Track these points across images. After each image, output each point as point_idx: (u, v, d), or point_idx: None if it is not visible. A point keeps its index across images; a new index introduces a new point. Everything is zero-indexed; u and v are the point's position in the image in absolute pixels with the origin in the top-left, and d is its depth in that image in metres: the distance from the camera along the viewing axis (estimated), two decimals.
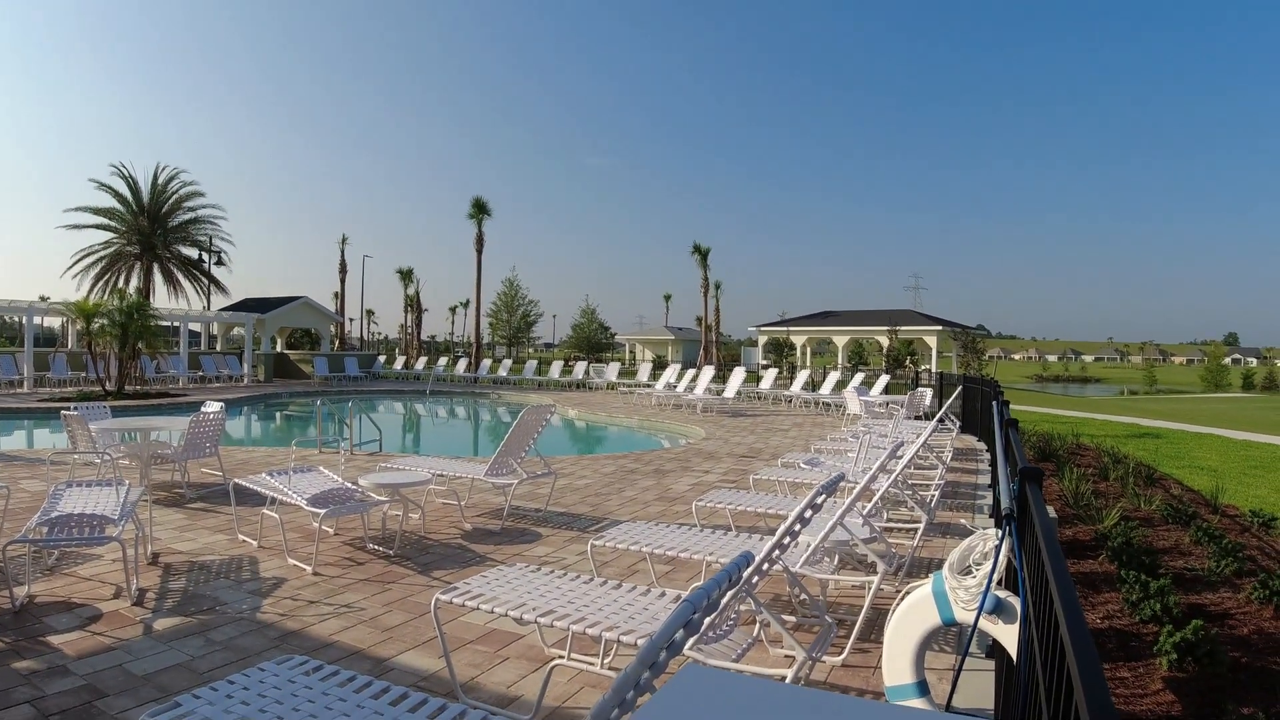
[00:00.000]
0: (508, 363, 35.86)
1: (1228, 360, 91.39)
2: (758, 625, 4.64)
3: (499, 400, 28.87)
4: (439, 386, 31.60)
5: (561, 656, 4.50)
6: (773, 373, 30.35)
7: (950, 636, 5.11)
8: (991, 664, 4.42)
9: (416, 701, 3.08)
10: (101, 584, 6.04)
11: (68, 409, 10.29)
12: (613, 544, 5.72)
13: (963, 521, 8.61)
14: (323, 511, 6.58)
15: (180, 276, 39.27)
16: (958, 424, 17.65)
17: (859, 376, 28.53)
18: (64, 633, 5.03)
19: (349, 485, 7.45)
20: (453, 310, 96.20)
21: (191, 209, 39.94)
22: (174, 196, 39.21)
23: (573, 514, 8.93)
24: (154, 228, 37.78)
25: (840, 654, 4.89)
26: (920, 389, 22.35)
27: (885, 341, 48.91)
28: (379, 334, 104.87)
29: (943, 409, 14.79)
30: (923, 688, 3.74)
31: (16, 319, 27.08)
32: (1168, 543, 8.06)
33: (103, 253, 37.88)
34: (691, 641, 3.69)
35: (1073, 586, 1.63)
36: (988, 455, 13.62)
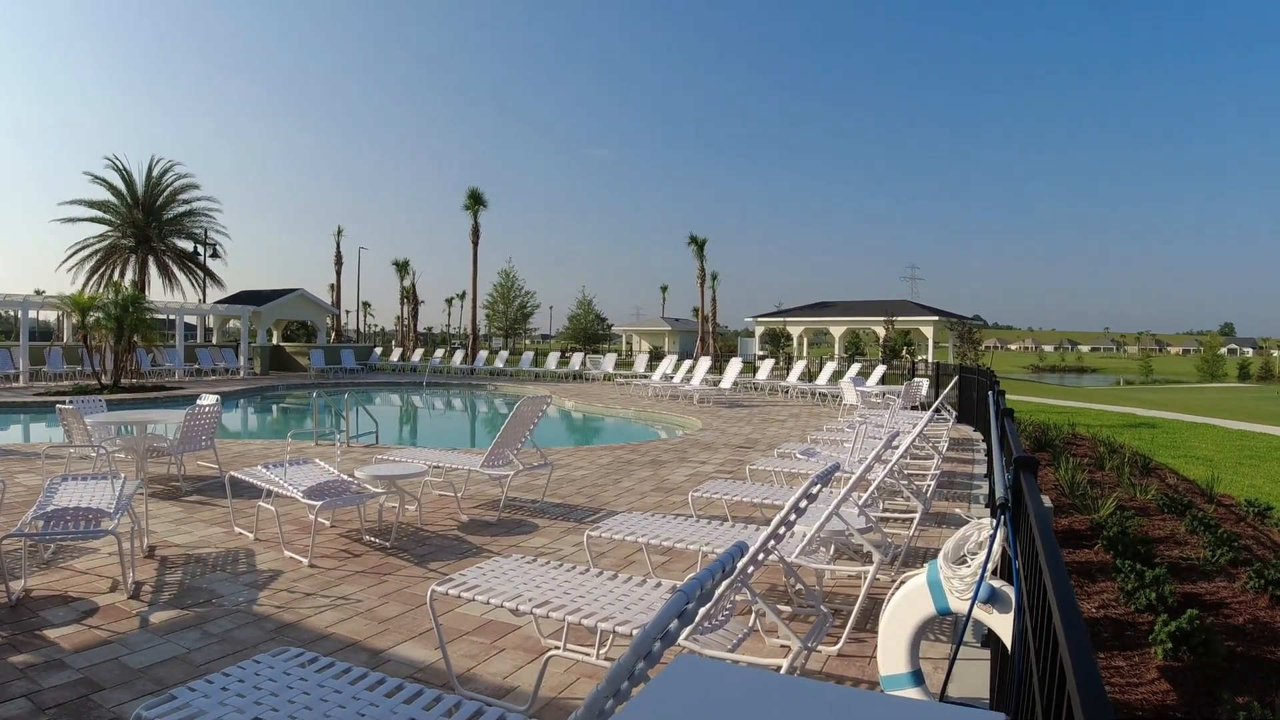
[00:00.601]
0: (504, 354, 35.83)
1: (1224, 350, 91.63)
2: (753, 615, 4.64)
3: (495, 392, 28.85)
4: (435, 378, 31.60)
5: (558, 647, 4.50)
6: (769, 363, 30.36)
7: (945, 626, 5.12)
8: (987, 653, 4.43)
9: (412, 693, 3.08)
10: (98, 577, 6.03)
11: (63, 403, 10.27)
12: (609, 535, 5.73)
13: (958, 511, 8.62)
14: (319, 504, 6.57)
15: (175, 269, 39.12)
16: (954, 414, 17.68)
17: (855, 367, 28.53)
18: (60, 626, 5.03)
19: (345, 477, 7.45)
20: (449, 302, 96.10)
21: (186, 201, 39.76)
22: (169, 189, 39.04)
23: (569, 505, 8.94)
24: (149, 220, 37.61)
25: (836, 644, 4.89)
26: (916, 379, 22.35)
27: (882, 332, 49.00)
28: (375, 326, 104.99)
29: (938, 399, 14.82)
30: (917, 677, 3.75)
31: (12, 313, 27.01)
32: (1163, 532, 8.08)
33: (98, 246, 37.73)
34: (687, 632, 3.69)
35: (1067, 576, 1.63)
36: (984, 445, 13.64)
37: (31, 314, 27.45)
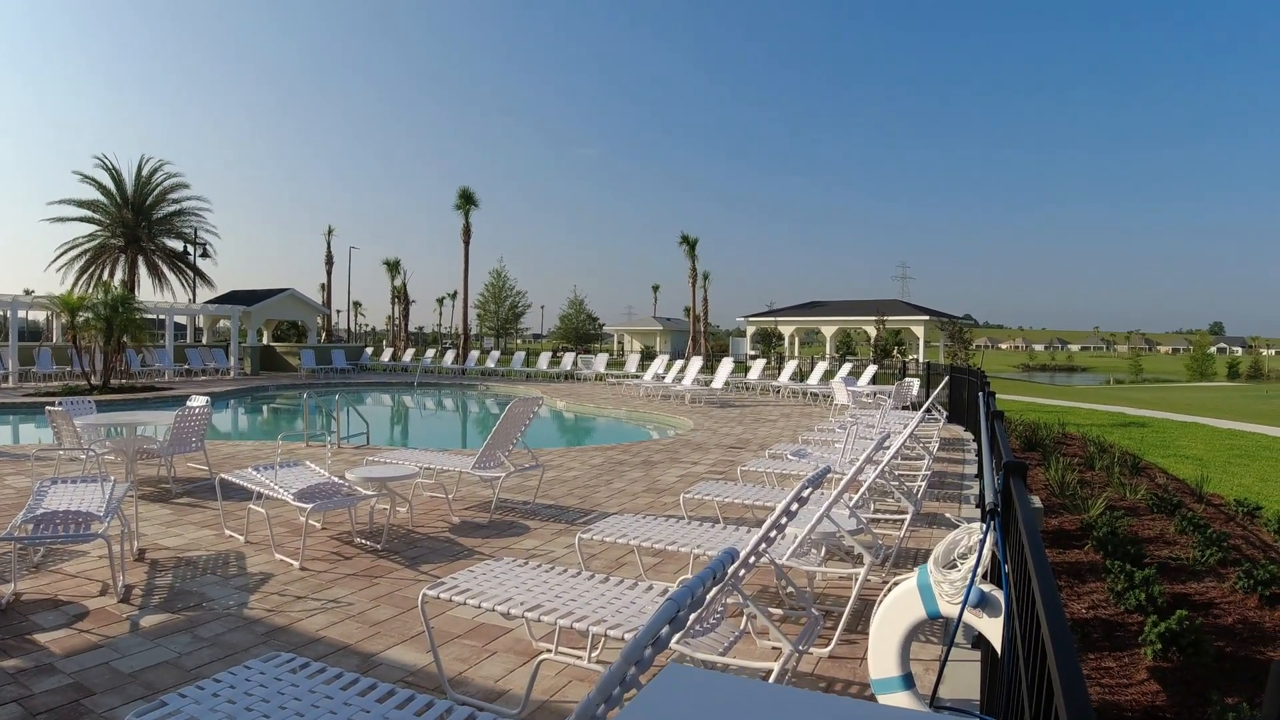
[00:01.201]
0: (495, 354, 35.77)
1: (1213, 349, 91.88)
2: (745, 618, 4.65)
3: (487, 392, 28.81)
4: (426, 379, 31.54)
5: (549, 650, 4.50)
6: (761, 363, 30.42)
7: (937, 628, 5.13)
8: (978, 655, 4.44)
9: (404, 698, 3.08)
10: (88, 581, 6.01)
11: (53, 404, 10.23)
12: (601, 537, 5.73)
13: (948, 515, 8.64)
14: (309, 506, 6.56)
15: (165, 269, 39.06)
16: (944, 414, 17.72)
17: (846, 367, 28.57)
18: (50, 631, 5.01)
19: (336, 479, 7.44)
20: (440, 302, 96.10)
21: (176, 201, 39.70)
22: (158, 188, 38.96)
23: (561, 506, 8.94)
24: (138, 220, 37.54)
25: (828, 645, 4.91)
26: (907, 379, 22.42)
27: (873, 331, 49.05)
28: (366, 326, 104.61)
29: (929, 399, 14.85)
30: (908, 680, 3.76)
31: (1, 313, 26.85)
32: (1153, 532, 8.12)
33: (87, 245, 37.63)
34: (678, 636, 3.70)
35: (1055, 586, 1.64)
36: (975, 445, 13.68)
37: (20, 314, 27.35)
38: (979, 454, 9.62)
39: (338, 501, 6.91)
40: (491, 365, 34.09)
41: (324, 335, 49.42)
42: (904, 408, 18.46)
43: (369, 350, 39.68)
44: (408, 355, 38.40)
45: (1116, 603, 5.83)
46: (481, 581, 4.34)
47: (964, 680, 4.33)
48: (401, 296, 60.25)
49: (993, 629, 3.22)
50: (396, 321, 62.18)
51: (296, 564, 6.46)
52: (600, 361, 33.72)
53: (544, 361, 34.20)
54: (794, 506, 4.05)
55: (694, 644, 3.88)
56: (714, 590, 3.60)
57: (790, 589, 5.09)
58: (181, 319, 35.75)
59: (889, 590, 3.86)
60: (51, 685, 4.23)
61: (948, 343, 47.24)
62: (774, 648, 4.84)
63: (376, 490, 7.53)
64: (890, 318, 50.06)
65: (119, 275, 36.83)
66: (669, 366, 28.12)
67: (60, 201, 37.01)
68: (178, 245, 40.20)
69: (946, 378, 19.30)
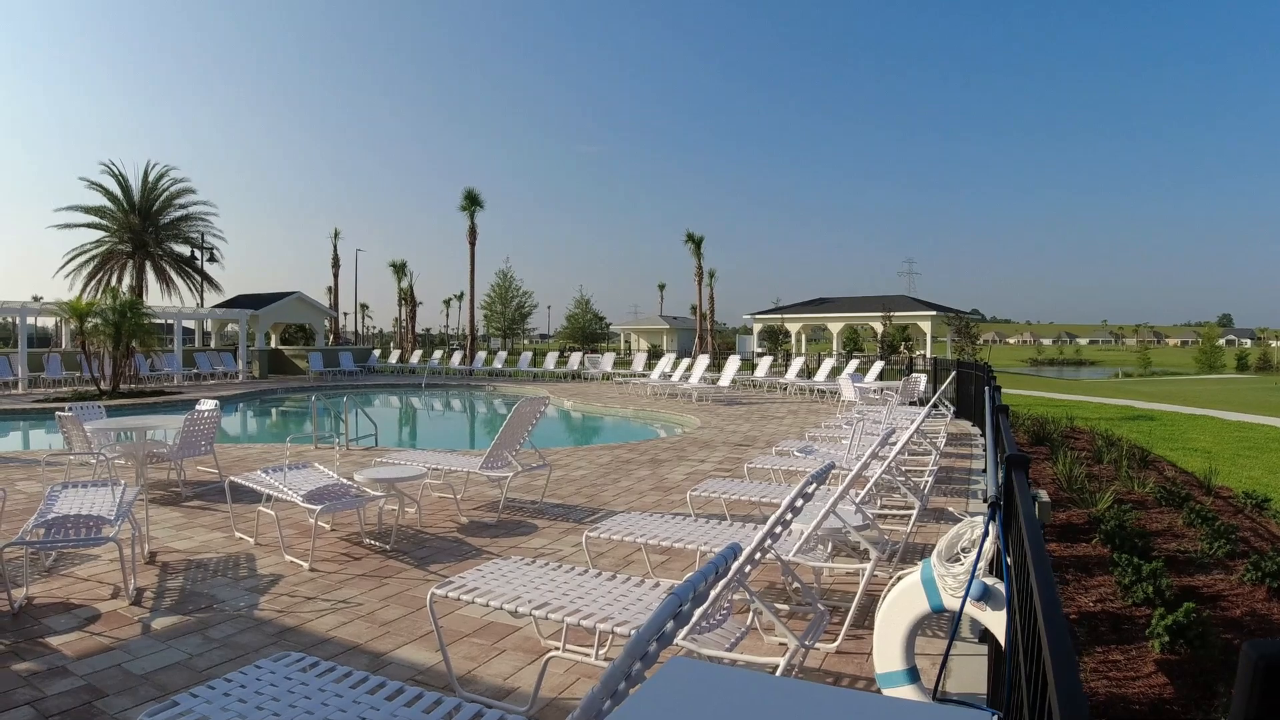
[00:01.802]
0: (503, 354, 35.86)
1: (1222, 341, 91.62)
2: (751, 614, 4.67)
3: (494, 392, 28.86)
4: (434, 380, 31.60)
5: (557, 648, 4.53)
6: (767, 360, 30.41)
7: (943, 621, 5.14)
8: (984, 649, 4.46)
9: (413, 696, 3.11)
10: (99, 584, 6.06)
11: (63, 410, 10.29)
12: (608, 535, 5.76)
13: (953, 510, 8.65)
14: (319, 507, 6.60)
15: (173, 274, 39.20)
16: (952, 409, 17.70)
17: (853, 363, 28.55)
18: (63, 634, 5.05)
19: (345, 481, 7.48)
20: (447, 303, 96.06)
21: (183, 206, 39.87)
22: (165, 194, 39.12)
23: (568, 505, 8.96)
24: (145, 225, 37.69)
25: (834, 641, 4.92)
26: (914, 374, 22.38)
27: (879, 327, 48.95)
28: (373, 328, 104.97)
29: (936, 394, 14.85)
30: (913, 674, 3.78)
31: (10, 320, 27.01)
32: (1161, 525, 8.11)
33: (95, 251, 37.79)
34: (684, 632, 3.72)
35: (1051, 574, 1.66)
36: (982, 440, 13.67)
37: (29, 320, 27.45)
38: (986, 448, 9.62)
39: (346, 503, 6.95)
40: (498, 366, 34.16)
41: (332, 338, 49.50)
42: (911, 403, 18.44)
43: (377, 352, 39.81)
44: (415, 357, 38.43)
45: (1124, 596, 5.83)
46: (489, 580, 4.37)
47: (970, 674, 4.35)
48: (408, 298, 60.30)
49: (996, 622, 3.23)
50: (404, 323, 62.26)
51: (306, 565, 6.50)
52: (607, 361, 33.76)
53: (551, 361, 34.26)
54: (799, 503, 4.07)
55: (700, 640, 3.90)
56: (719, 586, 3.62)
57: (796, 585, 5.11)
58: (190, 323, 35.86)
59: (893, 584, 3.88)
60: (64, 688, 4.27)
61: (955, 338, 47.08)
62: (780, 643, 4.85)
63: (385, 491, 7.56)
64: (897, 313, 49.96)
65: (127, 281, 36.98)
66: (676, 365, 28.13)
67: (68, 208, 37.18)
68: (185, 250, 40.36)
69: (953, 373, 19.28)
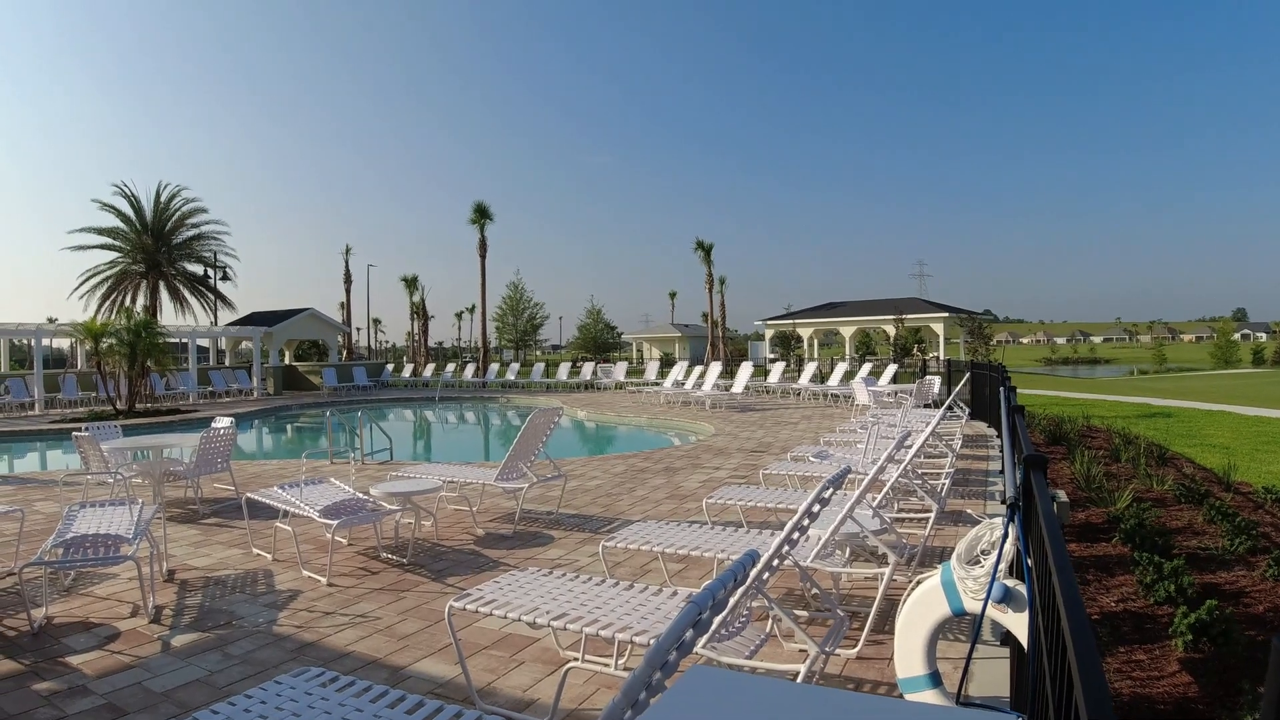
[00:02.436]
0: (515, 366, 35.92)
1: (1237, 336, 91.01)
2: (770, 621, 4.65)
3: (507, 404, 28.90)
4: (447, 393, 31.67)
5: (576, 659, 4.52)
6: (780, 366, 30.36)
7: (964, 625, 5.11)
8: (1006, 651, 4.42)
9: (433, 709, 3.10)
10: (118, 603, 6.08)
11: (79, 430, 10.35)
12: (624, 544, 5.74)
13: (971, 511, 8.60)
14: (335, 522, 6.61)
15: (186, 293, 39.43)
16: (967, 411, 17.63)
17: (866, 367, 28.47)
18: (83, 652, 5.07)
19: (361, 495, 7.49)
20: (459, 316, 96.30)
21: (195, 225, 40.12)
22: (177, 213, 39.37)
23: (584, 515, 8.96)
24: (158, 245, 37.94)
25: (855, 647, 4.89)
26: (928, 377, 22.33)
27: (892, 330, 48.84)
28: (386, 342, 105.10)
29: (951, 396, 14.79)
30: (935, 678, 3.75)
31: (26, 341, 27.20)
32: (1180, 522, 8.04)
33: (108, 272, 38.05)
34: (703, 640, 3.70)
35: (1073, 575, 1.64)
36: (998, 441, 13.60)
37: (45, 342, 27.67)
38: (1002, 449, 9.57)
39: (363, 517, 6.96)
40: (511, 377, 34.21)
41: (345, 353, 49.67)
42: (925, 406, 18.38)
43: (390, 367, 39.89)
44: (428, 370, 38.55)
45: (1146, 595, 5.78)
46: (507, 592, 4.36)
47: (993, 677, 4.31)
48: (420, 312, 60.48)
49: (1018, 624, 3.21)
50: (416, 337, 62.39)
51: (324, 580, 6.51)
52: (619, 370, 33.80)
53: (563, 372, 34.30)
54: (816, 508, 4.05)
55: (720, 648, 3.88)
56: (737, 593, 3.60)
57: (815, 591, 5.09)
58: (204, 342, 36.08)
59: (913, 588, 3.85)
60: (85, 706, 4.28)
61: (968, 339, 46.92)
62: (800, 650, 4.83)
63: (401, 505, 7.57)
64: (909, 316, 49.85)
65: (141, 300, 37.22)
66: (688, 372, 28.12)
67: (81, 230, 37.44)
68: (198, 269, 40.63)
69: (967, 374, 19.20)
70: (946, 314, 51.73)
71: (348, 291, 55.33)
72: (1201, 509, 8.30)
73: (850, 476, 8.09)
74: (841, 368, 28.45)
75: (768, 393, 28.45)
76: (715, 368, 26.21)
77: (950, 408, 13.44)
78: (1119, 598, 5.90)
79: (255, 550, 7.53)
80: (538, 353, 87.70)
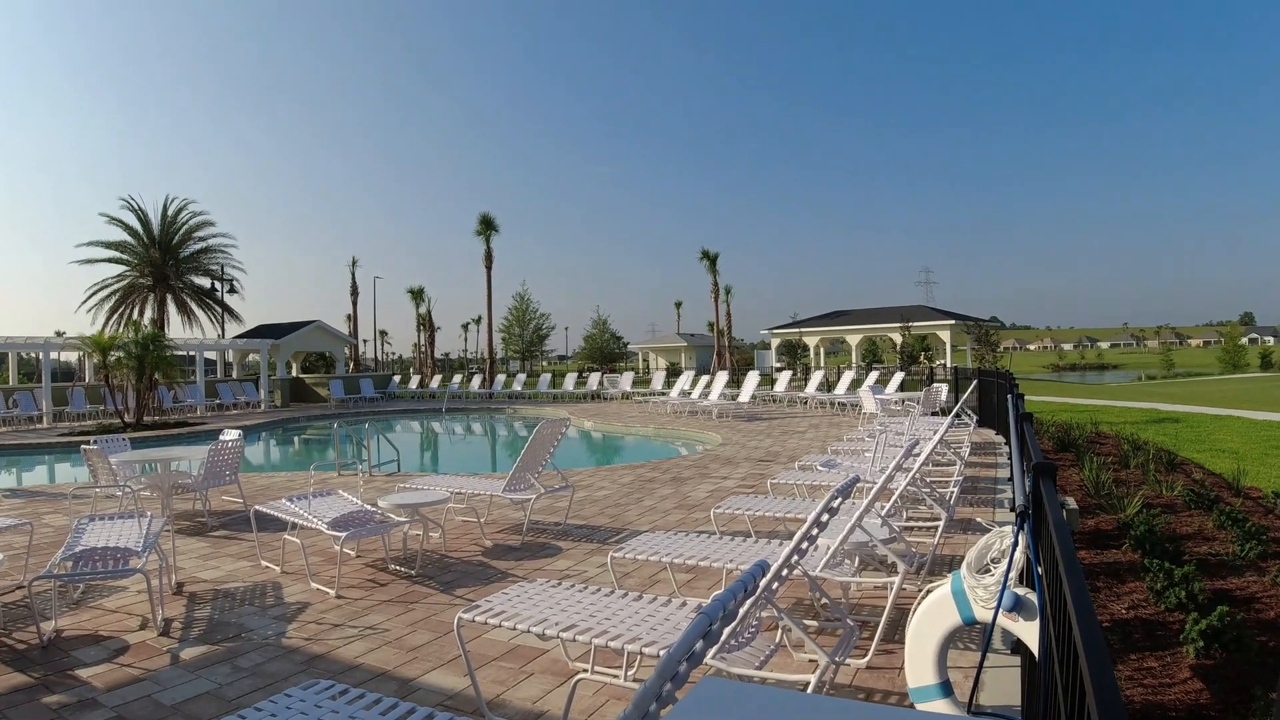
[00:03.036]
0: (522, 377, 35.98)
1: (1245, 340, 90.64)
2: (780, 631, 4.63)
3: (514, 415, 28.93)
4: (454, 404, 31.70)
5: (586, 670, 4.51)
6: (787, 375, 30.35)
7: (975, 634, 5.09)
8: (1017, 660, 4.41)
9: None
10: (128, 615, 6.09)
11: (87, 443, 10.38)
12: (633, 555, 5.73)
13: (980, 520, 8.58)
14: (343, 534, 6.61)
15: (194, 306, 39.49)
16: (975, 418, 17.59)
17: (873, 375, 28.48)
18: (92, 666, 5.07)
19: (368, 507, 7.49)
20: (465, 327, 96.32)
21: (202, 239, 40.19)
22: (184, 227, 39.46)
23: (592, 526, 8.95)
24: (166, 259, 38.02)
25: (865, 656, 4.88)
26: (935, 384, 22.28)
27: (898, 338, 48.77)
28: (393, 354, 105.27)
29: (958, 404, 14.76)
30: (946, 688, 3.74)
31: (34, 355, 27.32)
32: (1191, 528, 8.01)
33: (116, 286, 38.13)
34: (713, 651, 3.69)
35: (1084, 582, 1.64)
36: (1007, 449, 13.56)
37: (53, 355, 27.78)
38: (1010, 457, 9.54)
39: (371, 529, 6.96)
40: (518, 388, 34.25)
41: (352, 365, 49.84)
42: (933, 414, 18.34)
43: (397, 378, 39.98)
44: (435, 381, 38.59)
45: (1156, 602, 5.76)
46: (516, 603, 4.36)
47: (1004, 687, 4.30)
48: (427, 324, 60.53)
49: (1029, 632, 3.19)
50: (423, 348, 62.42)
51: (332, 592, 6.51)
52: (626, 380, 33.81)
53: (570, 382, 34.33)
54: (824, 517, 4.05)
55: (730, 659, 3.87)
56: (747, 603, 3.60)
57: (824, 600, 5.07)
58: (211, 354, 36.17)
59: (923, 597, 3.84)
60: None
61: (975, 346, 46.87)
62: (810, 660, 4.82)
63: (409, 516, 7.58)
64: (915, 324, 49.77)
65: (148, 314, 37.28)
66: (695, 382, 28.12)
67: (89, 243, 37.56)
68: (205, 282, 40.70)
69: (975, 381, 19.18)
70: (953, 321, 51.66)
71: (354, 304, 55.59)
72: (1211, 515, 8.26)
73: (859, 485, 8.07)
74: (848, 376, 28.44)
75: (774, 401, 28.42)
76: (722, 377, 26.21)
77: (958, 415, 13.41)
78: (1130, 605, 5.87)
79: (264, 562, 7.54)
80: (544, 363, 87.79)
